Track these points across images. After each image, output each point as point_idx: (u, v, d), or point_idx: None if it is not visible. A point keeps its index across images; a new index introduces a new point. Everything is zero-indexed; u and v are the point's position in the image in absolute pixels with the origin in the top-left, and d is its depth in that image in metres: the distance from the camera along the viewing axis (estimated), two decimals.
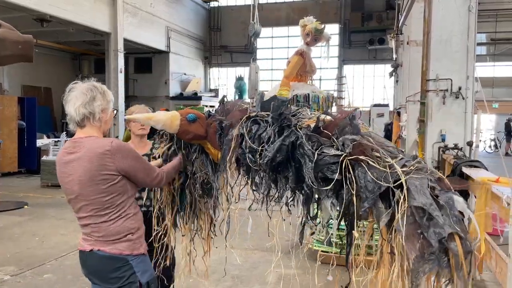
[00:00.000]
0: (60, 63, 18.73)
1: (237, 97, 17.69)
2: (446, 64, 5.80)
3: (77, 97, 2.01)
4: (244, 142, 2.04)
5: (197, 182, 2.43)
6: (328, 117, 2.04)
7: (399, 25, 11.13)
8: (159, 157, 2.49)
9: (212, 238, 2.67)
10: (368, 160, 1.70)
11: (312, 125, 1.96)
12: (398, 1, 12.33)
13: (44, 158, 10.23)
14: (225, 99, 2.42)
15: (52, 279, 4.38)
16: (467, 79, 5.77)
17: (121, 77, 13.96)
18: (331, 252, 4.36)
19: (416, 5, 7.28)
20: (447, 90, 5.80)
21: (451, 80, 5.78)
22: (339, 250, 3.99)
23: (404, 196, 1.58)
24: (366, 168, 1.70)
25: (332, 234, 2.03)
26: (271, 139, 1.96)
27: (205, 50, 22.04)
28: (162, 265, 2.61)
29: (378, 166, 1.69)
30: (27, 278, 4.40)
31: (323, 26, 3.46)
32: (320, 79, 19.81)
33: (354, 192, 1.71)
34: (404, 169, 1.68)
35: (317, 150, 1.83)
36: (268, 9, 20.37)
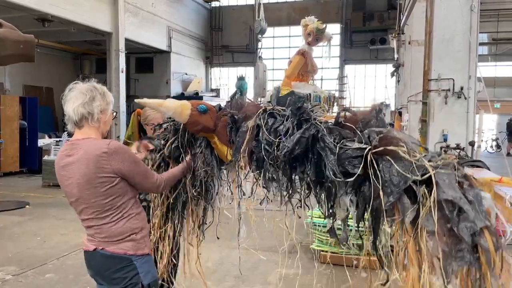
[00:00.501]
0: (61, 63, 18.73)
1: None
2: (448, 64, 5.79)
3: (76, 97, 1.98)
4: (261, 134, 2.01)
5: (196, 180, 2.36)
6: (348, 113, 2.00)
7: (401, 24, 11.10)
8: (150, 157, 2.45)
9: (201, 241, 2.61)
10: (399, 150, 1.65)
11: (331, 121, 1.92)
12: (399, 0, 12.30)
13: (45, 158, 10.23)
14: (237, 94, 2.39)
15: (53, 278, 4.38)
16: (469, 78, 5.76)
17: (122, 77, 13.94)
18: (337, 253, 4.34)
19: (418, 5, 7.25)
20: (449, 89, 5.79)
21: (453, 80, 5.76)
22: (343, 251, 3.97)
23: (432, 190, 1.53)
24: (391, 161, 1.65)
25: (352, 230, 1.95)
26: (289, 132, 1.92)
27: (207, 50, 22.01)
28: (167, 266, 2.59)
29: (408, 157, 1.63)
30: (28, 278, 4.40)
31: (324, 26, 3.46)
32: (322, 79, 19.77)
33: (380, 186, 1.65)
34: (431, 163, 1.63)
35: (339, 144, 1.78)
36: (269, 9, 20.31)
